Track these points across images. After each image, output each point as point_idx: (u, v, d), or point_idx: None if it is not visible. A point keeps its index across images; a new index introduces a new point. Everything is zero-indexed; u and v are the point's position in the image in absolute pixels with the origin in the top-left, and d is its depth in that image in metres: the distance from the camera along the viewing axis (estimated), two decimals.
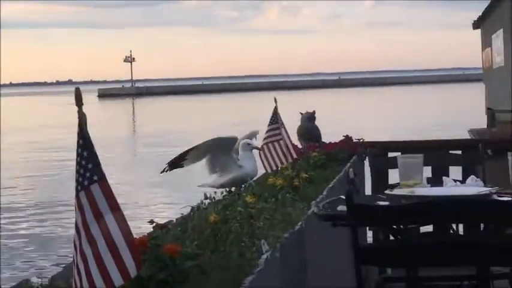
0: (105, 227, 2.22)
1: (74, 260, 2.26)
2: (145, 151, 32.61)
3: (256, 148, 5.35)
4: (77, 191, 2.24)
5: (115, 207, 2.24)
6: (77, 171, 2.24)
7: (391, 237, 3.91)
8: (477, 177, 4.30)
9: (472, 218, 3.09)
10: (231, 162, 5.12)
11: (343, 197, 3.74)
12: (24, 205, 18.11)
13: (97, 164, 2.24)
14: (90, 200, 2.22)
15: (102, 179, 2.23)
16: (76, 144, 2.24)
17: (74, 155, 2.26)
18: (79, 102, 2.24)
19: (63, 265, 3.14)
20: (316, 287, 4.12)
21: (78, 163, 2.24)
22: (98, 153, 2.27)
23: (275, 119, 5.76)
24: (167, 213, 13.11)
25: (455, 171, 5.80)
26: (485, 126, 26.48)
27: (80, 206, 2.23)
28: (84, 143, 2.23)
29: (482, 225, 4.13)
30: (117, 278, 2.21)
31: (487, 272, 3.75)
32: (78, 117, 2.23)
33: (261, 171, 5.54)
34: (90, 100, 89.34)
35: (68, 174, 20.54)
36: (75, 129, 2.25)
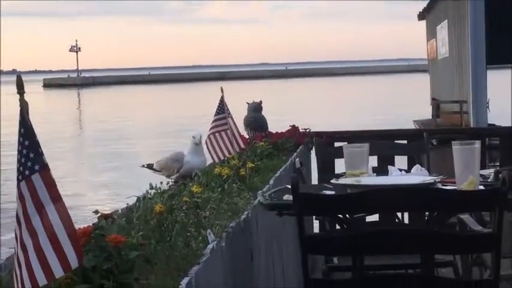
0: (46, 219, 2.19)
1: (14, 251, 2.22)
2: (92, 143, 32.33)
3: (198, 143, 5.38)
4: (18, 181, 2.20)
5: (56, 198, 2.20)
6: (18, 161, 2.20)
7: (337, 227, 3.93)
8: (422, 167, 4.34)
9: (417, 206, 3.11)
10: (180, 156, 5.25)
11: (289, 186, 3.74)
12: None
13: (39, 153, 2.20)
14: (31, 190, 2.18)
15: (44, 169, 2.19)
16: (18, 133, 2.20)
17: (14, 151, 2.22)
18: (21, 90, 2.20)
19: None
20: (263, 275, 4.12)
21: (19, 152, 2.20)
22: (40, 142, 2.23)
23: (222, 109, 5.73)
24: (113, 204, 13.00)
25: (401, 161, 5.86)
26: (430, 117, 26.73)
27: (20, 197, 2.20)
28: (26, 132, 2.19)
29: (427, 214, 4.18)
30: (57, 270, 2.18)
31: (432, 261, 3.80)
32: (20, 105, 2.20)
33: (209, 161, 5.54)
34: (35, 90, 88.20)
35: (7, 172, 20.15)
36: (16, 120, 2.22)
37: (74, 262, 2.18)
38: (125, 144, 29.77)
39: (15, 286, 2.18)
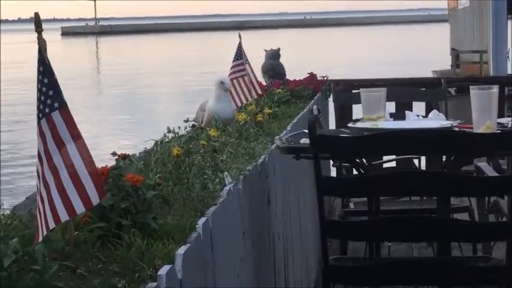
0: (66, 156, 2.22)
1: (37, 187, 2.26)
2: (110, 90, 32.38)
3: (227, 89, 5.11)
4: (39, 119, 2.22)
5: (76, 136, 2.23)
6: (38, 99, 2.23)
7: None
8: (439, 112, 4.33)
9: (436, 149, 3.10)
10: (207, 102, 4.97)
11: (305, 130, 3.75)
12: None
13: (58, 91, 2.22)
14: (51, 127, 2.21)
15: (64, 106, 2.22)
16: (36, 71, 2.22)
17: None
18: (38, 28, 2.21)
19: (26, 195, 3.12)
20: (279, 219, 4.16)
21: (39, 90, 2.22)
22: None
23: (239, 55, 5.73)
24: (130, 149, 13.06)
25: (419, 108, 5.84)
26: (449, 67, 26.55)
27: (41, 134, 2.22)
28: (45, 70, 2.21)
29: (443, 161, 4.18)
30: (79, 206, 2.22)
31: (448, 205, 3.81)
32: (38, 44, 2.21)
33: None
34: (54, 38, 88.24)
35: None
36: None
37: (95, 198, 2.22)
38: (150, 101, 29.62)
39: (39, 221, 2.22)
